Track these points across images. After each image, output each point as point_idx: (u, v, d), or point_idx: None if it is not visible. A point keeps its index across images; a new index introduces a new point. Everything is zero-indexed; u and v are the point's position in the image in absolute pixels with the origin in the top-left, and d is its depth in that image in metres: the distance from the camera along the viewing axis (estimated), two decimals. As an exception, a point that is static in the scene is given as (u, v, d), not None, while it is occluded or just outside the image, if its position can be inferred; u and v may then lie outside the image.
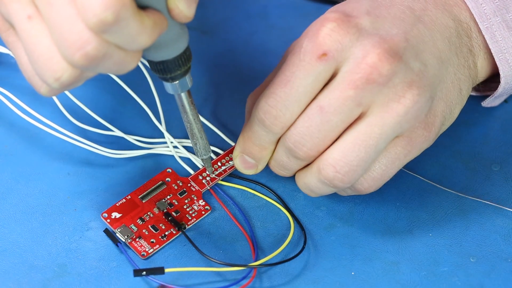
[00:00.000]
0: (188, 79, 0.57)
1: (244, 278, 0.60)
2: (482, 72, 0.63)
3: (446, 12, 0.60)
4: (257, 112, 0.58)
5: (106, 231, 0.62)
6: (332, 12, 0.57)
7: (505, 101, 0.70)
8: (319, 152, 0.58)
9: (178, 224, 0.63)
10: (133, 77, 0.69)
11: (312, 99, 0.57)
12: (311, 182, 0.60)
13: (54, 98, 0.68)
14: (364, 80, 0.55)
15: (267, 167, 0.63)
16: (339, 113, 0.56)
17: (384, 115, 0.56)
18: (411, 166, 0.66)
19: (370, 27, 0.57)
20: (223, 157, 0.66)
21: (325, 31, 0.56)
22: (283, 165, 0.61)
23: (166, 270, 0.59)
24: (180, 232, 0.63)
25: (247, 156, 0.62)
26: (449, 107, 0.60)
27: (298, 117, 0.58)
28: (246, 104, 0.63)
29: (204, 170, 0.66)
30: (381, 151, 0.58)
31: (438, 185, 0.66)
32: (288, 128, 0.58)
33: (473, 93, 0.68)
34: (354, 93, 0.56)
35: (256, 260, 0.61)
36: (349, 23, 0.56)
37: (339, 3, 0.65)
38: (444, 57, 0.59)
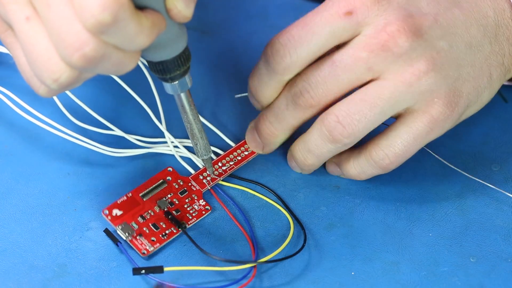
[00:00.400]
0: (187, 79, 0.57)
1: (244, 277, 0.60)
2: None
3: (488, 1, 0.60)
4: (266, 48, 0.59)
5: (106, 231, 0.62)
6: None
7: (506, 101, 0.70)
8: (319, 104, 0.59)
9: (179, 223, 0.63)
10: (134, 77, 0.69)
11: (322, 53, 0.58)
12: (311, 138, 0.60)
13: (55, 97, 0.68)
14: (379, 46, 0.56)
15: (268, 167, 0.63)
16: (348, 71, 0.57)
17: (396, 82, 0.57)
18: (411, 167, 0.66)
19: (403, 2, 0.57)
20: (224, 157, 0.66)
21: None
22: (278, 114, 0.61)
23: (166, 269, 0.59)
24: (181, 231, 0.63)
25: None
26: (476, 90, 0.60)
27: (308, 67, 0.58)
28: None
29: (205, 170, 0.66)
30: (389, 116, 0.58)
31: (450, 165, 0.65)
32: (298, 74, 0.59)
33: (507, 83, 0.69)
34: (366, 55, 0.57)
35: (256, 260, 0.61)
36: None
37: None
38: (474, 43, 0.59)
